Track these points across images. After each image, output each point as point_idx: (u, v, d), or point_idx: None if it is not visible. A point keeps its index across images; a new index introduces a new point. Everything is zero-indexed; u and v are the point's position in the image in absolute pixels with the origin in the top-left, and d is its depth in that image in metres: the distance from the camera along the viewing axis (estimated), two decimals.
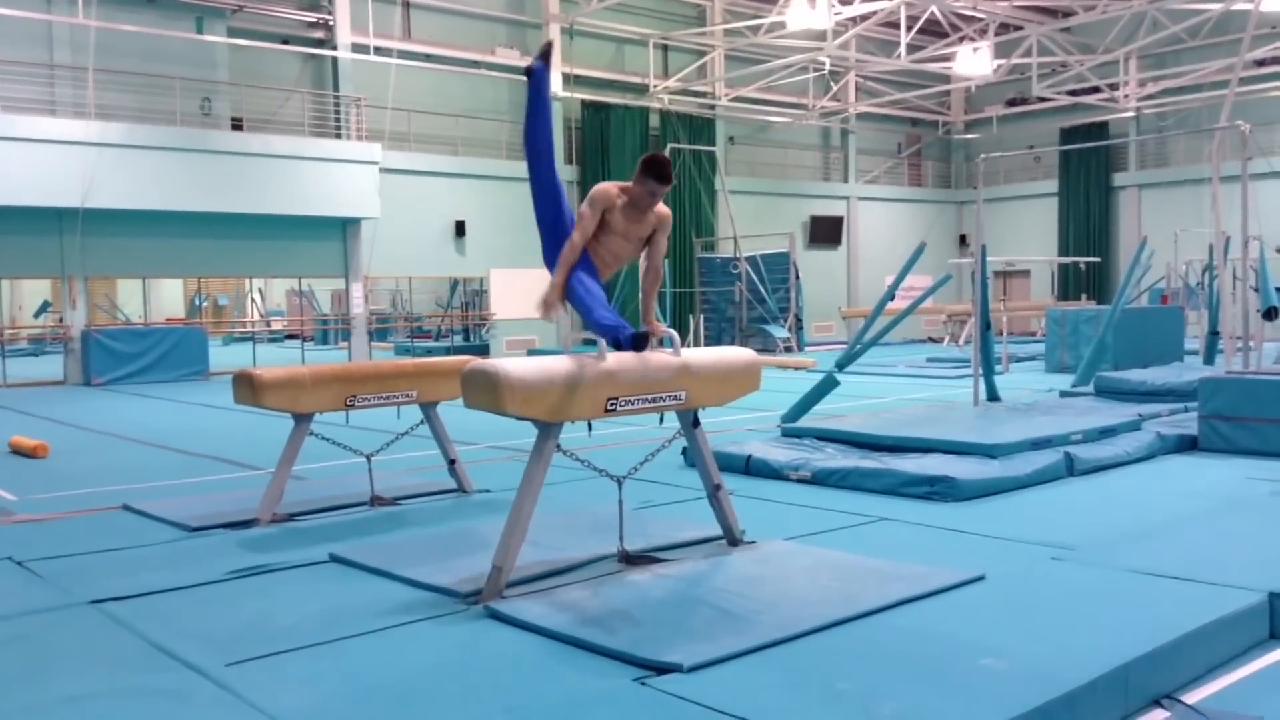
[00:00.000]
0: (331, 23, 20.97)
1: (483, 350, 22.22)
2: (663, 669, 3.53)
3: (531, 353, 21.07)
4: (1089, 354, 13.00)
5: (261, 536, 5.82)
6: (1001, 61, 24.81)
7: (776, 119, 28.13)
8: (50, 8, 17.68)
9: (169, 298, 28.71)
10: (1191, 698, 3.47)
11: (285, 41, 20.80)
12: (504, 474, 7.46)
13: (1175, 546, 5.00)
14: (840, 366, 9.91)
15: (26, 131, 16.72)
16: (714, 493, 5.17)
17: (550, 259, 4.88)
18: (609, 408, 4.52)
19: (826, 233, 29.62)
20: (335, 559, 5.22)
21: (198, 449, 9.70)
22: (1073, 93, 26.92)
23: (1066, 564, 4.79)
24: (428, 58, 22.15)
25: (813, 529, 5.76)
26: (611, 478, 4.91)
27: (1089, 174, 29.60)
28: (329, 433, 6.51)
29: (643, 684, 3.43)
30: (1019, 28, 24.65)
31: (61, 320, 18.47)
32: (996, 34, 24.20)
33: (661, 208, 4.91)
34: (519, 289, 23.14)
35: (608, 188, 4.81)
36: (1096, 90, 26.59)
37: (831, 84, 28.08)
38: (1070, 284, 28.65)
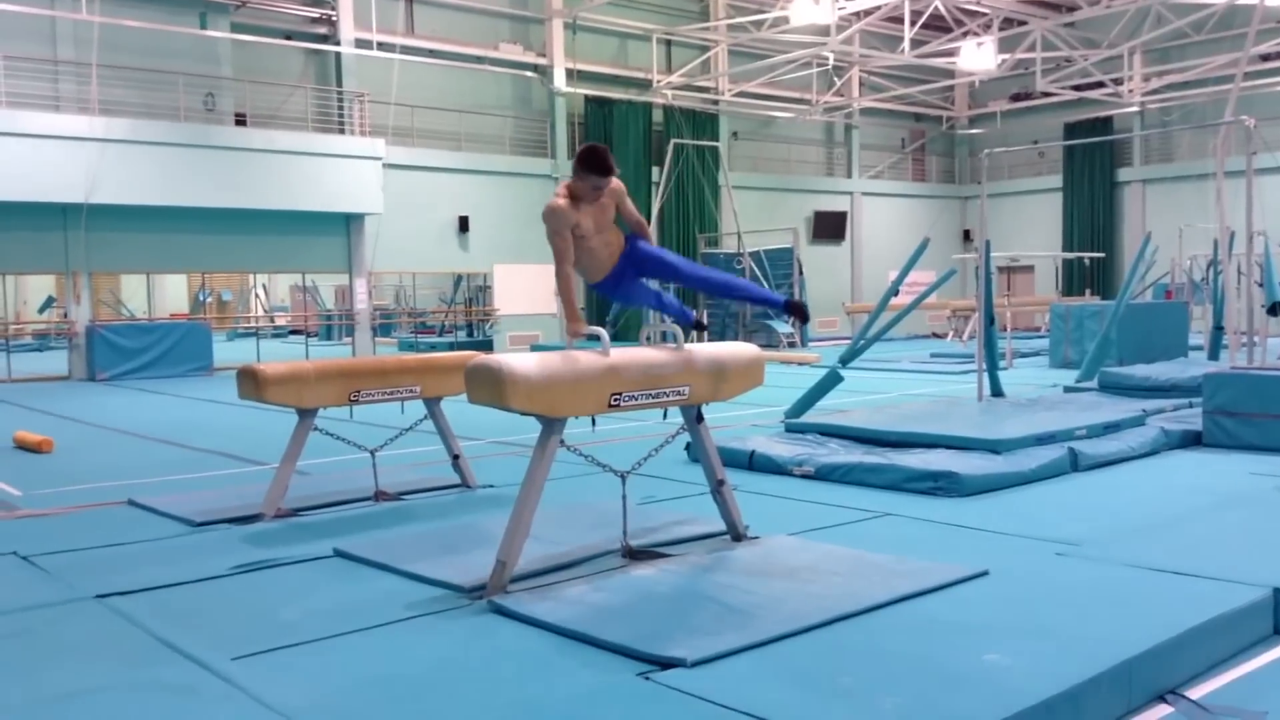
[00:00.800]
0: (335, 18, 20.98)
1: (486, 346, 22.22)
2: (666, 664, 3.53)
3: (535, 348, 21.07)
4: (1093, 349, 12.98)
5: (266, 531, 5.83)
6: (1005, 56, 24.75)
7: (780, 114, 28.10)
8: (54, 3, 17.69)
9: (173, 293, 28.74)
10: (1195, 693, 3.47)
11: (288, 37, 20.80)
12: (508, 469, 7.47)
13: (1179, 542, 5.00)
14: (844, 362, 9.91)
15: (31, 127, 16.74)
16: (717, 488, 5.17)
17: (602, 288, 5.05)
18: (612, 403, 4.52)
19: (830, 228, 29.59)
20: (340, 554, 5.23)
21: (202, 444, 9.72)
22: (1077, 88, 26.86)
23: (1070, 559, 4.79)
24: (431, 53, 22.15)
25: (816, 524, 5.76)
26: (615, 473, 4.91)
27: (1093, 169, 29.54)
28: (333, 428, 6.52)
29: (646, 679, 3.44)
30: (1023, 22, 24.61)
31: (66, 316, 18.50)
32: (1001, 29, 24.17)
33: (614, 183, 4.82)
34: (522, 284, 23.15)
35: (559, 205, 4.69)
36: (1101, 85, 26.53)
37: (835, 79, 28.04)
38: (1074, 279, 28.61)
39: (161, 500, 6.66)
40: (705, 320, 5.55)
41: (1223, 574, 4.32)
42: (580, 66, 24.20)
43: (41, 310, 26.02)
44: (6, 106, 16.89)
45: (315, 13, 21.06)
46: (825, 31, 23.38)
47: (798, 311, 5.23)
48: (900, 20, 23.09)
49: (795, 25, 22.29)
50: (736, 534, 5.22)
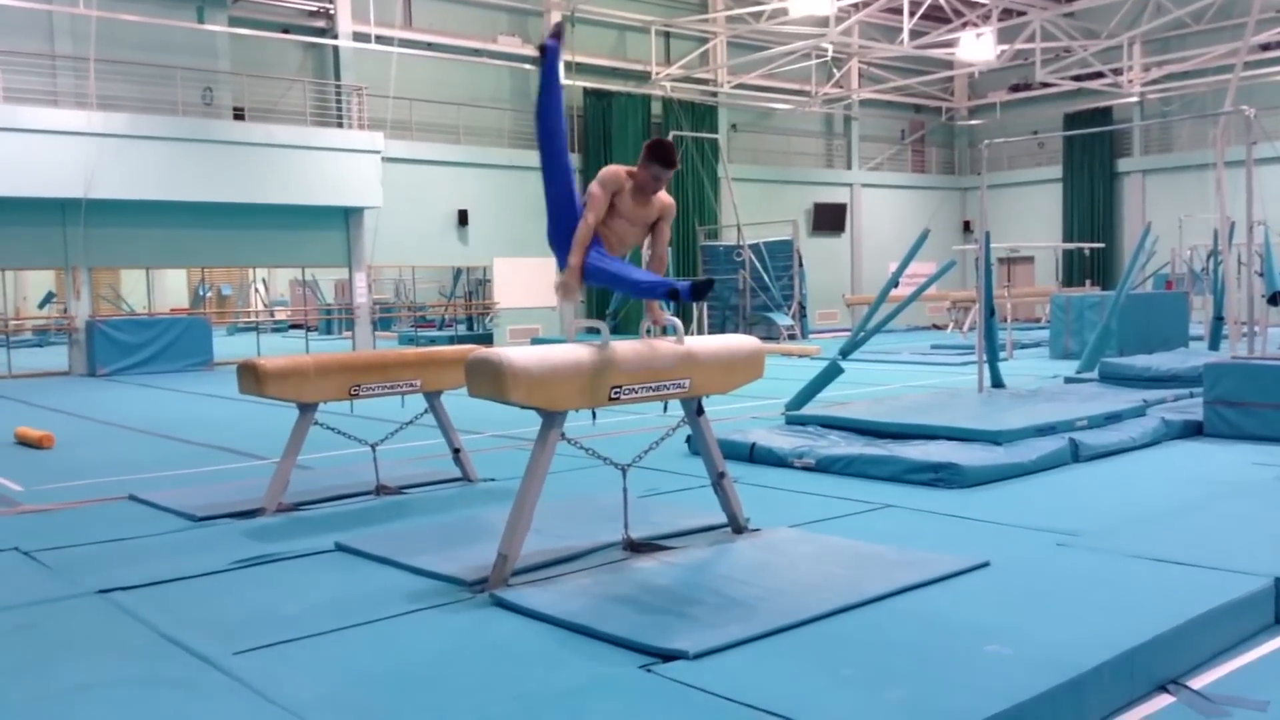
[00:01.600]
0: (332, 11, 20.93)
1: (486, 339, 22.22)
2: (668, 656, 3.54)
3: (535, 341, 21.07)
4: (1093, 340, 12.98)
5: (267, 526, 5.83)
6: (1005, 47, 24.69)
7: (779, 106, 28.05)
8: None
9: (173, 288, 28.72)
10: (1197, 683, 3.47)
11: (286, 30, 20.75)
12: (508, 463, 7.47)
13: (1180, 532, 5.00)
14: (844, 354, 9.90)
15: (29, 122, 16.71)
16: (718, 480, 5.17)
17: (557, 240, 4.86)
18: (613, 396, 4.52)
19: (830, 220, 29.55)
20: (341, 548, 5.24)
21: (203, 439, 9.72)
22: (1077, 78, 26.79)
23: (1071, 550, 4.79)
24: (429, 46, 22.10)
25: (817, 516, 5.76)
26: (616, 466, 4.91)
27: (1093, 159, 29.50)
28: (333, 422, 6.52)
29: (648, 671, 3.44)
30: (1022, 13, 24.54)
31: (66, 311, 18.49)
32: (1000, 19, 24.10)
33: (666, 197, 4.92)
34: (522, 278, 23.13)
35: (617, 170, 4.82)
36: (1100, 75, 26.46)
37: (834, 70, 27.98)
38: (1075, 270, 28.59)
39: (162, 495, 6.66)
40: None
41: (1224, 564, 4.32)
42: (579, 59, 24.15)
43: (41, 306, 26.02)
44: (5, 102, 16.85)
45: (313, 6, 21.01)
46: (824, 23, 23.30)
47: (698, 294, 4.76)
48: (899, 11, 23.04)
49: (794, 17, 22.26)
50: (738, 526, 5.23)
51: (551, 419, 4.47)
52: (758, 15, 24.53)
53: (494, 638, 3.86)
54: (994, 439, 7.23)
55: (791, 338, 22.47)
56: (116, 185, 17.36)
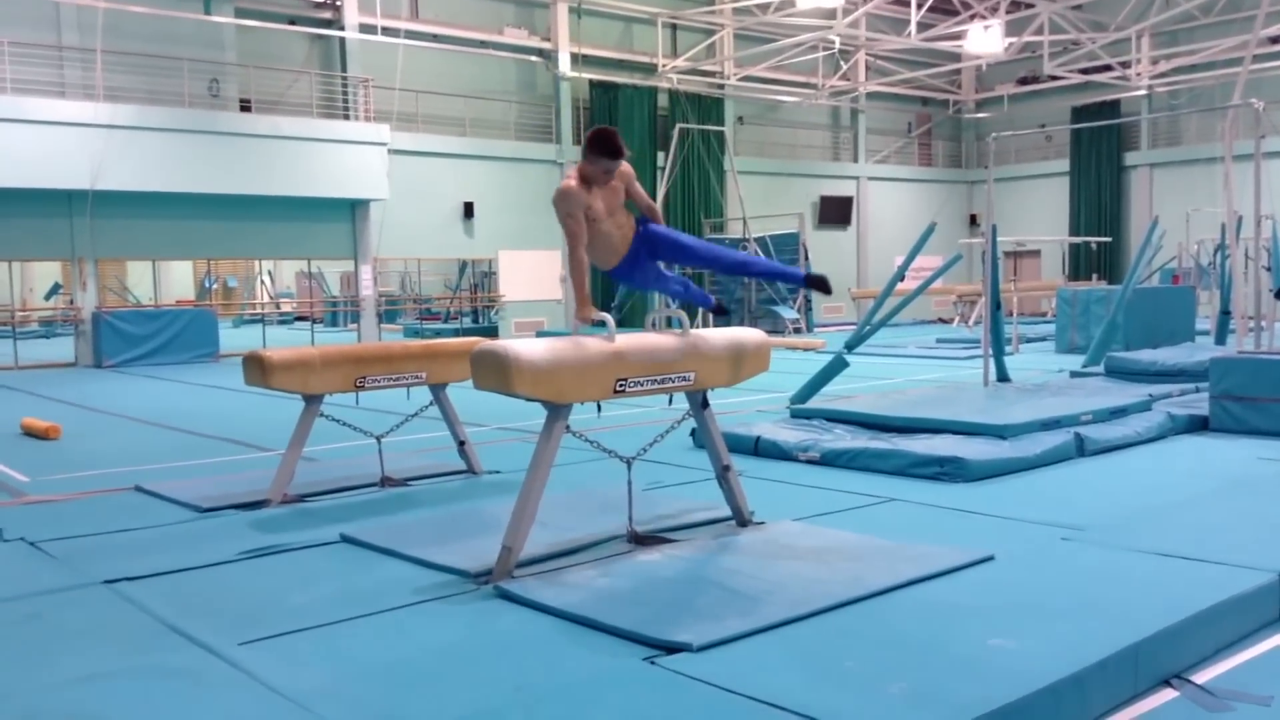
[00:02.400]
0: (339, 3, 20.92)
1: (491, 332, 22.23)
2: (672, 648, 3.54)
3: (540, 334, 21.07)
4: (1100, 334, 12.95)
5: (273, 517, 5.85)
6: (1012, 39, 24.62)
7: (786, 98, 27.99)
8: None
9: (179, 280, 28.77)
10: (1201, 678, 3.47)
11: (292, 22, 20.75)
12: (513, 455, 7.48)
13: (1185, 527, 4.99)
14: (850, 347, 9.89)
15: (36, 114, 16.74)
16: (723, 474, 5.17)
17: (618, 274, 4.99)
18: (618, 389, 4.52)
19: (836, 213, 29.51)
20: (346, 539, 5.25)
21: (209, 430, 9.74)
22: (1084, 71, 26.71)
23: (1076, 544, 4.78)
24: (435, 38, 22.09)
25: (822, 510, 5.76)
26: (621, 458, 4.91)
27: (1100, 153, 29.41)
28: (339, 414, 6.53)
29: (652, 663, 3.45)
30: (1030, 5, 24.46)
31: (72, 302, 18.53)
32: (1008, 12, 24.01)
33: (623, 166, 4.78)
34: (527, 270, 23.14)
35: (571, 188, 4.63)
36: (1108, 68, 26.39)
37: (841, 63, 27.91)
38: (1081, 264, 28.52)
39: (168, 486, 6.68)
40: (724, 305, 5.52)
41: (1229, 558, 4.32)
42: (585, 51, 24.12)
43: (48, 297, 26.05)
44: (12, 93, 16.89)
45: None
46: (831, 15, 23.28)
47: (819, 285, 5.11)
48: (906, 3, 22.97)
49: (801, 9, 22.21)
50: (742, 519, 5.23)
51: (556, 411, 4.48)
52: (764, 7, 24.47)
53: (498, 630, 3.87)
54: (999, 433, 7.23)
55: (797, 331, 22.45)
56: (123, 177, 17.39)
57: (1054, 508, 5.65)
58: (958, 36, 24.31)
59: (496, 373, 4.23)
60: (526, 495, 4.43)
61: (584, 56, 24.09)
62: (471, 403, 7.48)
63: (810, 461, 7.19)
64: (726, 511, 5.30)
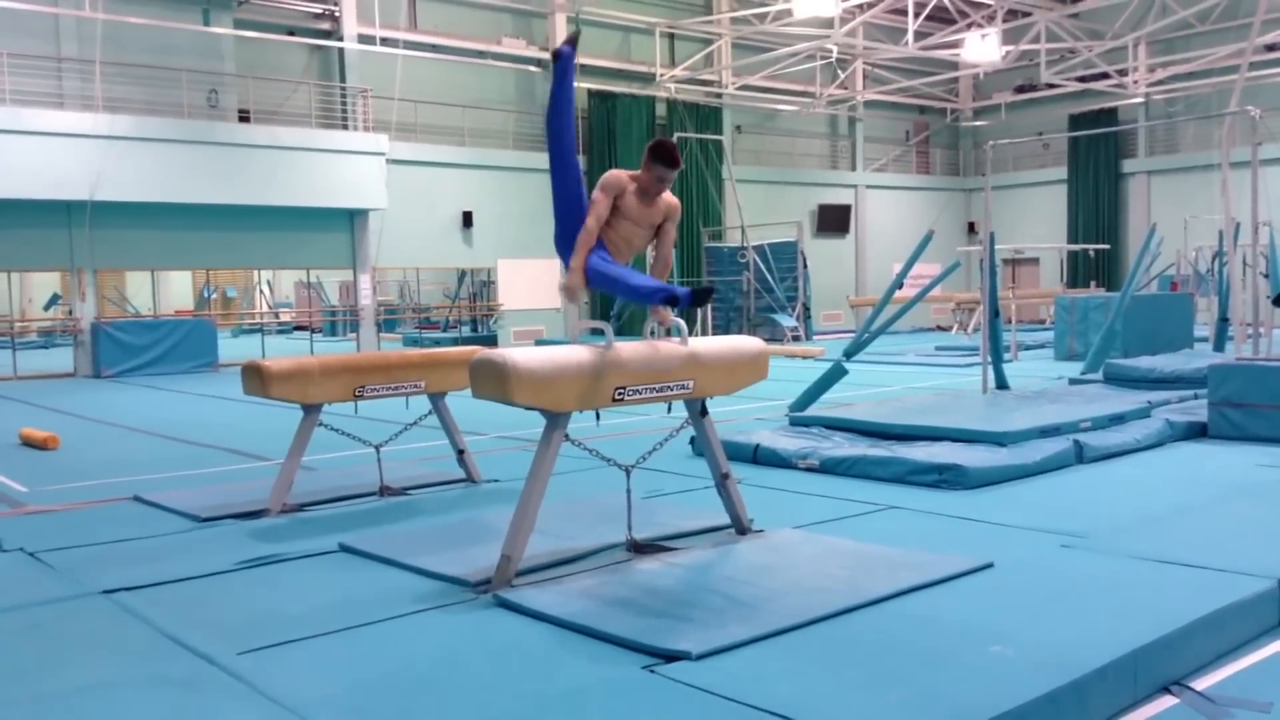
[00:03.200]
0: (337, 14, 20.97)
1: (490, 341, 22.23)
2: (671, 656, 3.54)
3: (539, 343, 21.07)
4: (1098, 341, 12.96)
5: (271, 526, 5.84)
6: (1010, 48, 24.67)
7: (784, 107, 28.04)
8: (57, 1, 17.69)
9: (178, 290, 28.79)
10: (1201, 684, 3.47)
11: (291, 33, 20.78)
12: (512, 464, 7.48)
13: (1185, 533, 5.00)
14: (848, 355, 9.90)
15: (35, 124, 16.76)
16: (722, 481, 5.17)
17: (564, 242, 4.89)
18: (617, 397, 4.52)
19: (834, 221, 29.53)
20: (345, 549, 5.24)
21: (207, 440, 9.74)
22: (1081, 79, 26.77)
23: (1075, 551, 4.78)
24: (434, 48, 22.12)
25: (821, 517, 5.76)
26: (620, 467, 4.91)
27: (1098, 160, 29.45)
28: (338, 423, 6.53)
29: (651, 672, 3.45)
30: (1027, 14, 24.52)
31: (71, 313, 18.53)
32: (1005, 20, 24.07)
33: (672, 198, 4.96)
34: (526, 280, 23.15)
35: (619, 174, 4.86)
36: (1105, 76, 26.44)
37: (839, 72, 27.97)
38: (1079, 271, 28.55)
39: (167, 496, 6.67)
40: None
41: (1228, 565, 4.32)
42: (583, 60, 24.13)
43: (46, 307, 26.06)
44: (11, 104, 16.91)
45: (318, 8, 21.04)
46: (829, 24, 23.29)
47: (700, 299, 4.75)
48: (904, 12, 23.01)
49: (799, 18, 22.23)
50: (741, 527, 5.23)
51: (555, 420, 4.48)
52: (762, 17, 24.53)
53: (497, 638, 3.86)
54: (998, 440, 7.23)
55: (796, 339, 22.46)
56: (122, 187, 17.40)
57: (1053, 515, 5.65)
58: (955, 45, 24.35)
59: (495, 381, 4.24)
60: (525, 504, 4.43)
61: (582, 66, 24.11)
62: (470, 411, 7.48)
63: (809, 469, 7.19)
64: (726, 520, 5.30)
